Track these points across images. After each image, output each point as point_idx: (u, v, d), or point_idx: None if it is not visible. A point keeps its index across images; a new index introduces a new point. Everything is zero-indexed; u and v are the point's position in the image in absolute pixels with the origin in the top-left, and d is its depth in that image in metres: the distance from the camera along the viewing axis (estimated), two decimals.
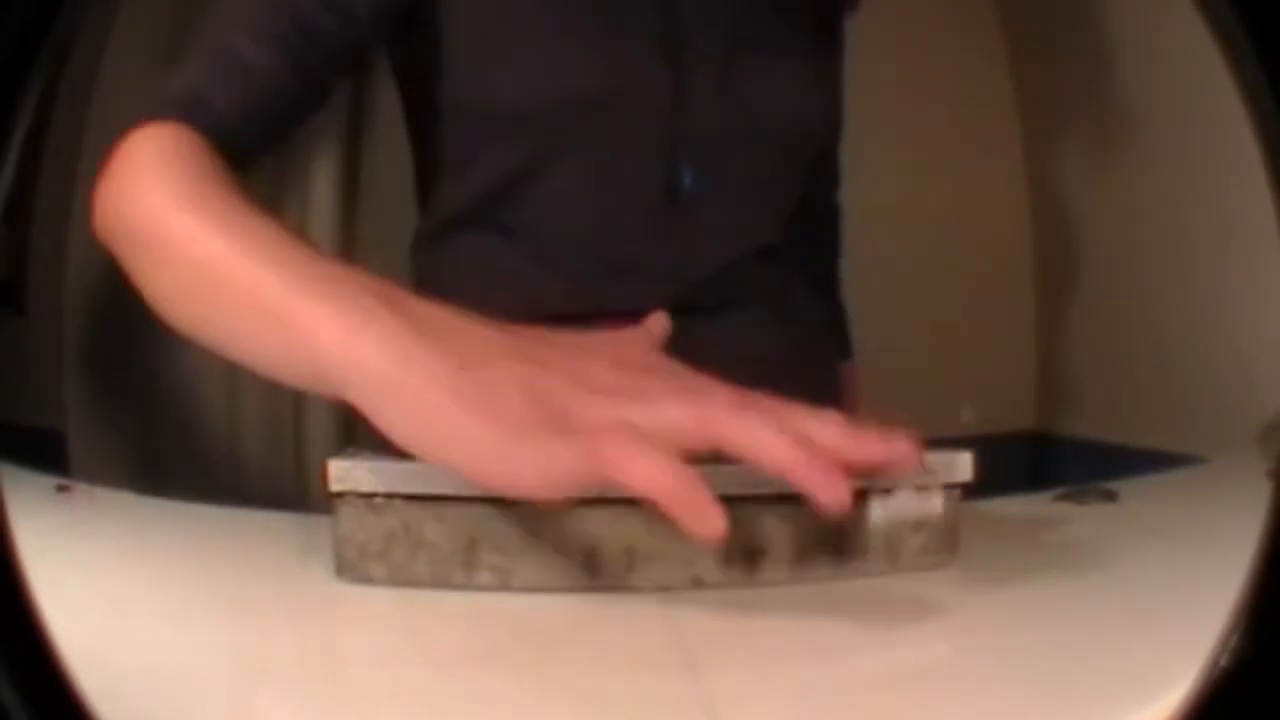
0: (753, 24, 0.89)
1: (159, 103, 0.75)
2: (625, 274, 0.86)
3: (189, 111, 0.74)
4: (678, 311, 0.75)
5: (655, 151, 0.86)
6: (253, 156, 0.79)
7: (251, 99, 0.77)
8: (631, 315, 0.71)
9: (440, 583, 0.59)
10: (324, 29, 0.80)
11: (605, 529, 0.59)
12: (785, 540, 0.60)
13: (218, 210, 0.63)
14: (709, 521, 0.47)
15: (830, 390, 1.00)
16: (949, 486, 0.64)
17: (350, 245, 1.40)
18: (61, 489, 0.83)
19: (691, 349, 0.62)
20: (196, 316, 0.63)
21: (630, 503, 0.59)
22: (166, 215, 0.63)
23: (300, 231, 0.70)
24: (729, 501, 0.59)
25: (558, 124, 0.83)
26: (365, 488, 0.60)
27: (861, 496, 0.61)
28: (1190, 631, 0.43)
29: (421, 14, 0.84)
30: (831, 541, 0.61)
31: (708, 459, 0.60)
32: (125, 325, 1.36)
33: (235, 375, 1.39)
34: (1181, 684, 0.41)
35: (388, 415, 0.51)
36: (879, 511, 0.61)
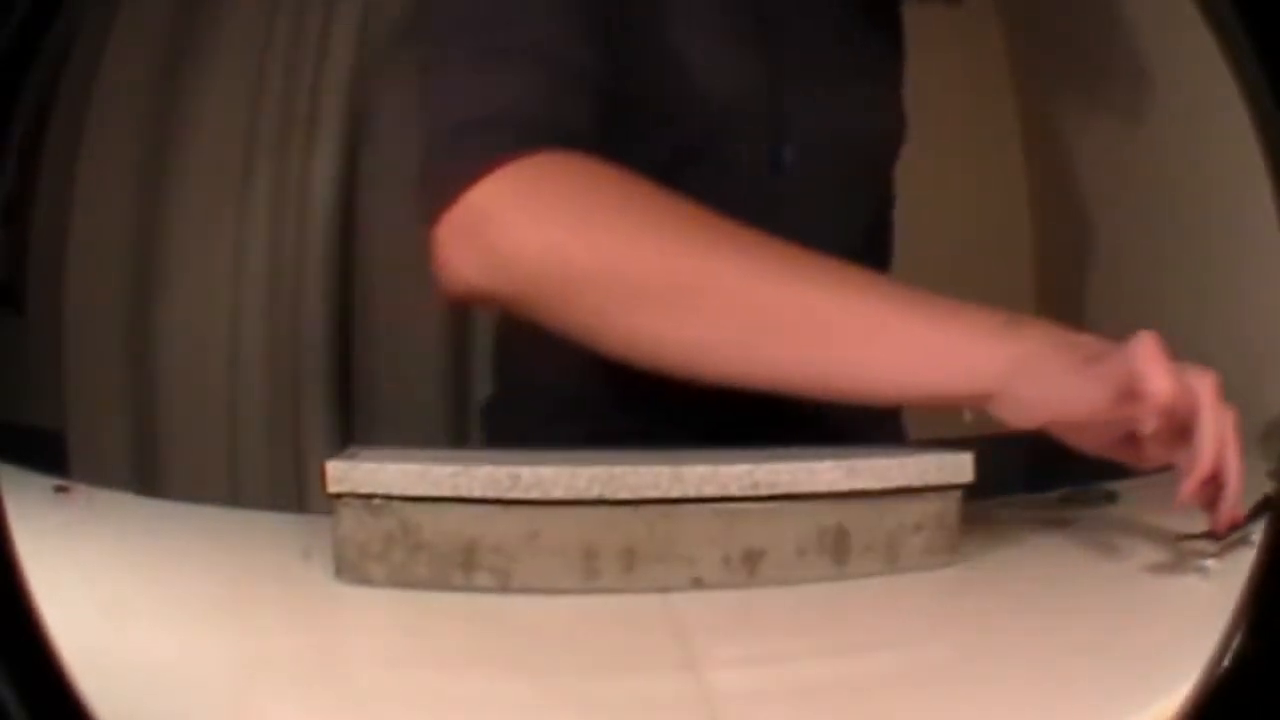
0: (848, 32, 0.91)
1: (496, 131, 0.67)
2: None
3: (548, 135, 0.66)
4: None
5: (758, 152, 0.83)
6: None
7: (589, 100, 0.71)
8: None
9: (439, 583, 0.59)
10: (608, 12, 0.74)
11: (605, 529, 0.59)
12: (785, 540, 0.60)
13: (686, 229, 0.62)
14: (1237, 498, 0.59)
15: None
16: (949, 487, 0.64)
17: (350, 244, 1.40)
18: (60, 489, 0.83)
19: None
20: (685, 341, 0.62)
21: (630, 503, 0.59)
22: (623, 249, 0.62)
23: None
24: (729, 502, 0.60)
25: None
26: (364, 489, 0.60)
27: (859, 497, 0.61)
28: (1190, 631, 0.43)
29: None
30: (831, 541, 0.61)
31: (706, 459, 0.60)
32: (125, 325, 1.36)
33: (235, 375, 1.39)
34: (1182, 684, 0.41)
35: (1039, 392, 0.61)
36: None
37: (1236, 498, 0.61)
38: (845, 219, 0.92)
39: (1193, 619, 0.45)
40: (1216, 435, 0.59)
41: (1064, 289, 1.42)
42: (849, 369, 0.62)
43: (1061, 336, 0.63)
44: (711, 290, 0.62)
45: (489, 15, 0.71)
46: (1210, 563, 0.62)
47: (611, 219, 0.63)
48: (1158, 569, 0.64)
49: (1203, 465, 0.58)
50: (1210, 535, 0.63)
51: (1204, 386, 0.60)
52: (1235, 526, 0.61)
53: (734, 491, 0.59)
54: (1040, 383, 0.61)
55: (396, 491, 0.59)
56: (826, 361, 0.62)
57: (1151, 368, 0.57)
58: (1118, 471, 0.96)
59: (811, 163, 0.87)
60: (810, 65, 0.88)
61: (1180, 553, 0.64)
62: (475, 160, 0.65)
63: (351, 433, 1.36)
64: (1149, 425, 0.58)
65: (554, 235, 0.63)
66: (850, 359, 0.63)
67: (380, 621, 0.59)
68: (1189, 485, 0.59)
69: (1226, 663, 0.40)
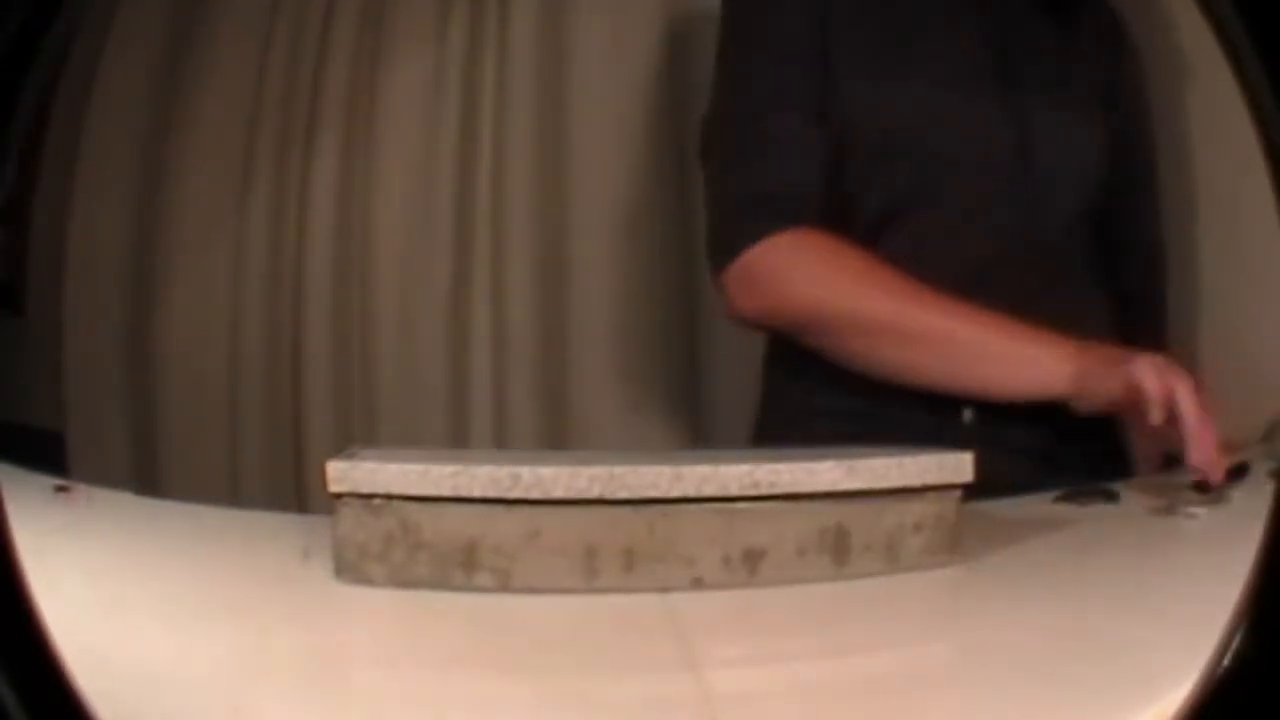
0: (1055, 61, 1.03)
1: (769, 207, 0.96)
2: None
3: (802, 215, 0.96)
4: None
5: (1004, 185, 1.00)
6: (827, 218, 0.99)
7: (826, 174, 0.97)
8: None
9: (440, 583, 0.59)
10: (817, 101, 0.98)
11: (605, 529, 0.59)
12: (785, 540, 0.60)
13: (890, 285, 0.94)
14: (1209, 453, 0.78)
15: None
16: (949, 487, 0.64)
17: (349, 242, 1.40)
18: (61, 489, 0.83)
19: None
20: (898, 362, 0.94)
21: (630, 503, 0.59)
22: (858, 302, 0.95)
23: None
24: (729, 502, 0.60)
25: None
26: (364, 489, 0.60)
27: (859, 497, 0.61)
28: (1190, 631, 0.43)
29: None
30: (831, 541, 0.61)
31: (706, 459, 0.60)
32: (125, 325, 1.36)
33: (235, 376, 1.39)
34: (1182, 684, 0.41)
35: (1100, 393, 0.88)
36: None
37: (1197, 440, 0.77)
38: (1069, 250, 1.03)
39: (1193, 619, 0.45)
40: (1161, 385, 0.80)
41: None
42: (978, 378, 0.93)
43: (1104, 352, 0.89)
44: (908, 328, 0.94)
45: (749, 110, 0.99)
46: (1199, 510, 0.76)
47: (848, 280, 0.95)
48: (1158, 568, 0.64)
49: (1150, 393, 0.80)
50: (1199, 486, 0.78)
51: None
52: (1209, 483, 0.78)
53: (734, 491, 0.59)
54: (1090, 384, 0.88)
55: (397, 491, 0.59)
56: (965, 374, 0.93)
57: (1145, 371, 0.81)
58: (1118, 471, 0.96)
59: (1044, 195, 0.99)
60: (1038, 95, 1.00)
61: (1171, 502, 0.78)
62: (755, 229, 0.95)
63: (352, 432, 1.36)
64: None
65: (812, 290, 0.96)
66: (976, 372, 0.93)
67: (380, 621, 0.59)
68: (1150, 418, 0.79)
69: (1226, 663, 0.40)
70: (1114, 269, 1.08)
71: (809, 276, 0.95)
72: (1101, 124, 1.03)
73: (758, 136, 0.98)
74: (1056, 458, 0.95)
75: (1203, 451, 0.77)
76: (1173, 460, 0.85)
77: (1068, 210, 1.02)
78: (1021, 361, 0.91)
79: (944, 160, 0.98)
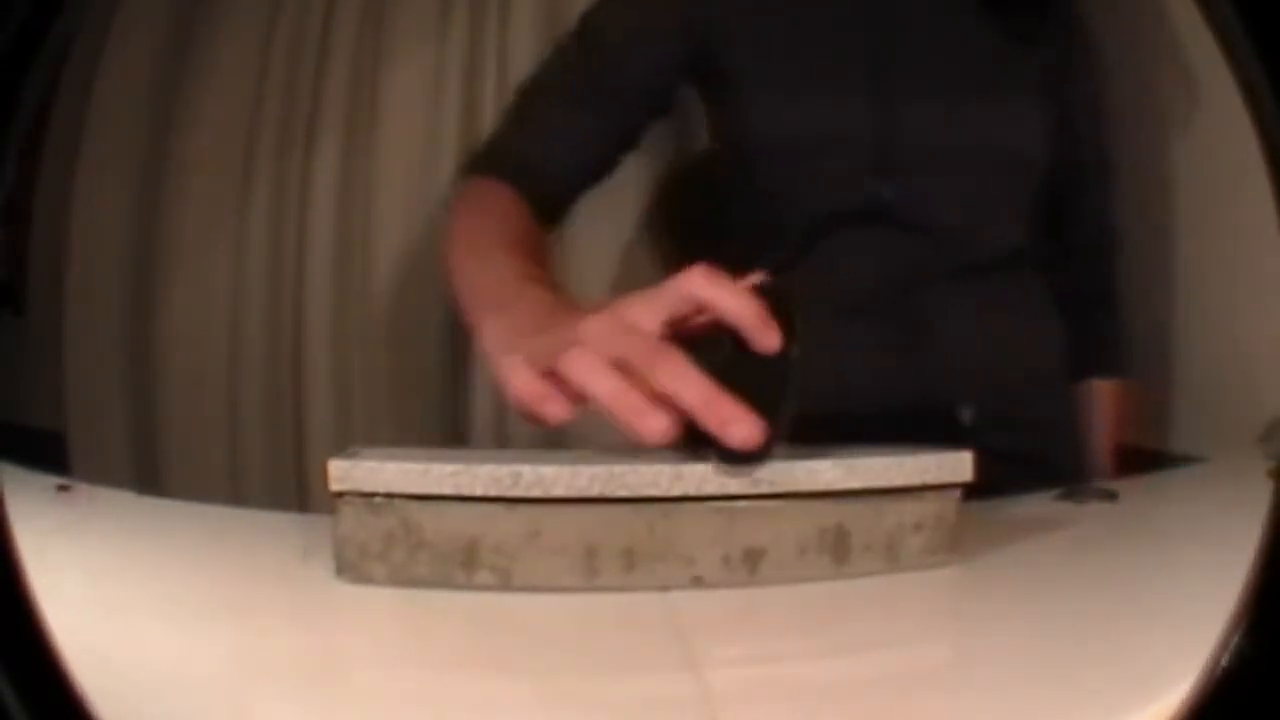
0: (976, 53, 0.99)
1: (486, 158, 0.98)
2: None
3: (508, 171, 0.95)
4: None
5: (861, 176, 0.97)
6: (567, 200, 1.00)
7: (563, 160, 0.97)
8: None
9: (440, 583, 0.59)
10: (614, 90, 0.98)
11: (605, 529, 0.59)
12: (785, 540, 0.60)
13: (480, 251, 0.85)
14: (649, 422, 0.56)
15: (1046, 399, 1.03)
16: (948, 486, 0.64)
17: (349, 242, 1.40)
18: (61, 489, 0.83)
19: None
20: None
21: (631, 502, 0.59)
22: (454, 250, 0.86)
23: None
24: (729, 501, 0.60)
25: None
26: (365, 488, 0.60)
27: (859, 496, 0.61)
28: (1190, 631, 0.43)
29: (709, 61, 1.00)
30: (831, 541, 0.61)
31: (710, 458, 0.60)
32: (125, 325, 1.36)
33: (235, 376, 1.39)
34: (1182, 684, 0.41)
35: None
36: None
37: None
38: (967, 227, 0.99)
39: (1193, 619, 0.45)
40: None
41: None
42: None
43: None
44: (457, 287, 0.82)
45: (527, 90, 1.01)
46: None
47: (460, 232, 0.90)
48: (1158, 568, 0.64)
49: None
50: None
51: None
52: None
53: (734, 490, 0.59)
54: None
55: (398, 490, 0.59)
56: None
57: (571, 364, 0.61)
58: (1118, 471, 0.97)
59: (923, 188, 0.96)
60: (915, 90, 0.96)
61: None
62: (462, 179, 0.98)
63: (353, 432, 1.37)
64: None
65: (445, 241, 0.90)
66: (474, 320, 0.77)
67: (381, 621, 0.59)
68: None
69: (1226, 663, 0.40)
70: (1062, 259, 1.07)
71: (452, 228, 0.91)
72: (1035, 114, 1.01)
73: (527, 106, 1.00)
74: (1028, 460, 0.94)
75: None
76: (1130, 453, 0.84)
77: (991, 203, 1.00)
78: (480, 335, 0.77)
79: (845, 162, 0.97)
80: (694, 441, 0.59)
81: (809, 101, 0.97)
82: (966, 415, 0.96)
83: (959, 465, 0.63)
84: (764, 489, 0.59)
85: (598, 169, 1.01)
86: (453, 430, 1.39)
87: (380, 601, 0.59)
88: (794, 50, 0.99)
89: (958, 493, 0.64)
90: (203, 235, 1.37)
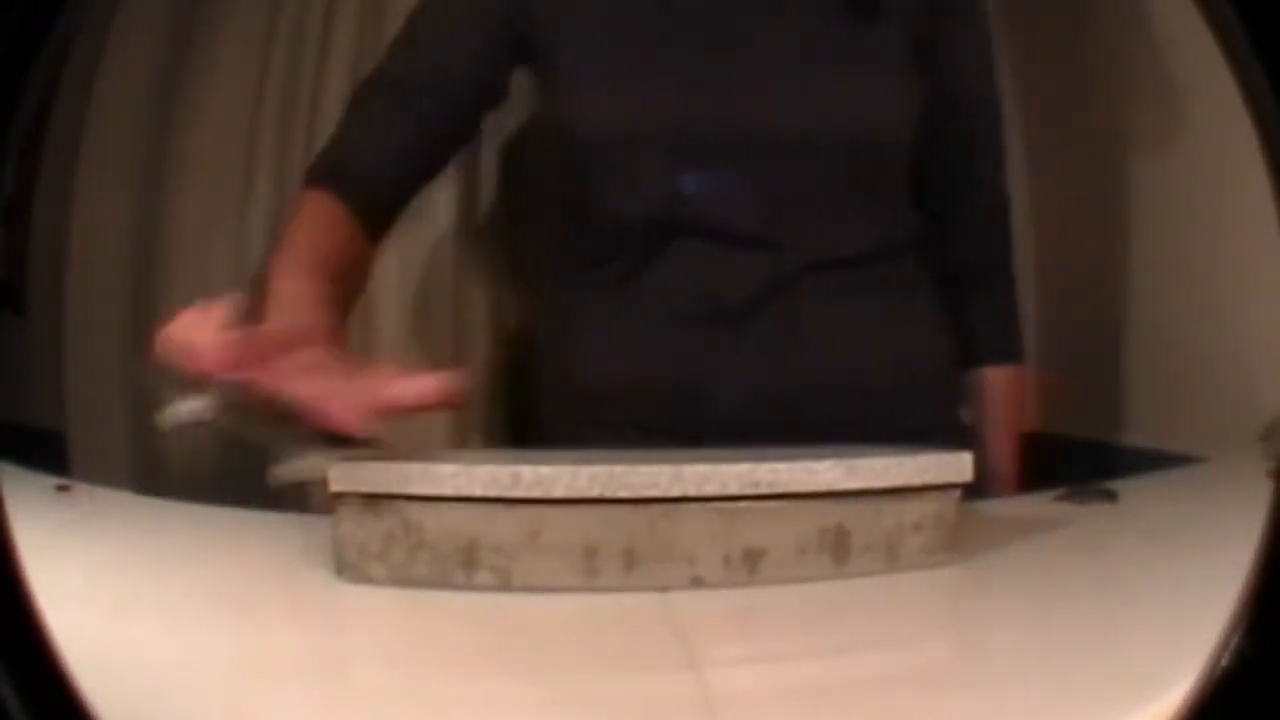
0: (824, 29, 0.93)
1: (315, 168, 0.95)
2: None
3: (331, 179, 0.92)
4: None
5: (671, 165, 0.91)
6: (393, 203, 0.96)
7: (385, 161, 0.94)
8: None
9: (440, 583, 0.59)
10: (435, 85, 0.95)
11: (605, 529, 0.59)
12: (785, 539, 0.60)
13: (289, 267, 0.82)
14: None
15: (931, 391, 0.98)
16: (948, 486, 0.64)
17: None
18: (61, 489, 0.83)
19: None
20: None
21: (631, 502, 0.59)
22: (272, 269, 0.82)
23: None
24: (729, 501, 0.60)
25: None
26: (365, 488, 0.60)
27: (859, 496, 0.61)
28: (1190, 631, 0.43)
29: (530, 50, 0.96)
30: (831, 541, 0.61)
31: (706, 459, 0.60)
32: (125, 325, 1.36)
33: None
34: (1181, 684, 0.41)
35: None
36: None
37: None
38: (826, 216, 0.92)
39: (1193, 619, 0.45)
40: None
41: (1064, 290, 1.42)
42: None
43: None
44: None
45: (355, 94, 0.99)
46: None
47: (282, 243, 0.88)
48: (1158, 569, 0.64)
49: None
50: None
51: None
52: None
53: (734, 491, 0.59)
54: None
55: (397, 490, 0.59)
56: None
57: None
58: (1118, 471, 0.96)
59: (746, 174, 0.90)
60: (742, 80, 0.90)
61: None
62: (302, 190, 0.94)
63: None
64: None
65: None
66: None
67: (381, 620, 0.59)
68: None
69: (1226, 663, 0.40)
70: (950, 241, 1.02)
71: (279, 245, 0.89)
72: (890, 94, 0.93)
73: (353, 110, 0.97)
74: None
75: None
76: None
77: (837, 196, 0.93)
78: None
79: (661, 160, 0.91)
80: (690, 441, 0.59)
81: (622, 96, 0.92)
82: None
83: (959, 465, 0.64)
84: (764, 489, 0.59)
85: (425, 167, 0.98)
86: (453, 430, 1.39)
87: (380, 601, 0.59)
88: (611, 39, 0.93)
89: (958, 493, 0.64)
90: (203, 235, 1.37)
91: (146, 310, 1.36)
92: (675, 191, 0.91)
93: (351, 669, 0.54)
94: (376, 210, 0.94)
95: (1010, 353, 1.05)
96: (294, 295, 0.76)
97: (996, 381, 1.03)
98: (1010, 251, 1.06)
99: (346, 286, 0.85)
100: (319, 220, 0.90)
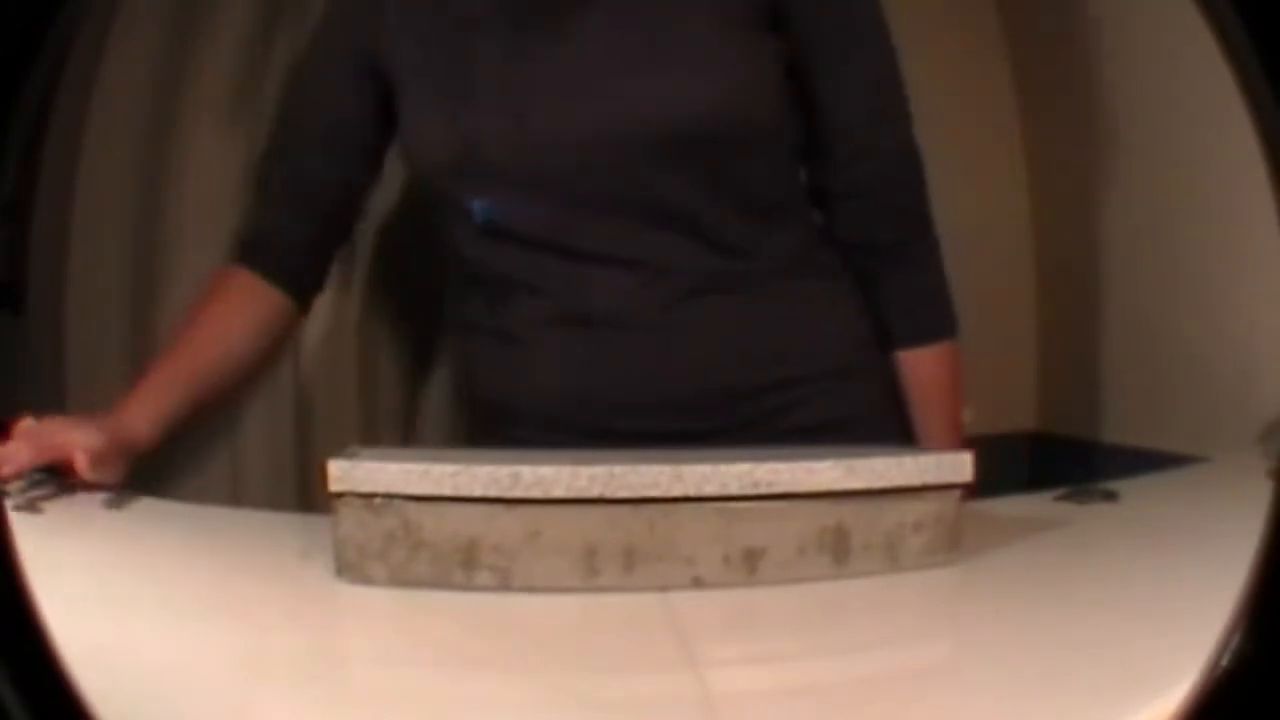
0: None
1: (235, 247, 1.02)
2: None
3: (246, 257, 0.99)
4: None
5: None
6: (318, 264, 1.03)
7: (293, 228, 0.99)
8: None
9: (440, 583, 0.59)
10: (317, 135, 0.98)
11: (605, 529, 0.59)
12: (785, 539, 0.60)
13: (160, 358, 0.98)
14: None
15: (842, 381, 0.93)
16: (948, 486, 0.64)
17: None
18: (62, 489, 0.82)
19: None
20: None
21: (631, 502, 0.59)
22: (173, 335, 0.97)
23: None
24: (729, 501, 0.60)
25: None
26: (365, 488, 0.60)
27: (859, 496, 0.61)
28: (1190, 631, 0.43)
29: (387, 85, 0.96)
30: (831, 540, 0.61)
31: (706, 459, 0.60)
32: (125, 325, 1.36)
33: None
34: (1181, 684, 0.41)
35: None
36: None
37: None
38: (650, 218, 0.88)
39: (1193, 619, 0.45)
40: None
41: (1063, 290, 1.43)
42: None
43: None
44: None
45: (270, 150, 1.06)
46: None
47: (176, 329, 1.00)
48: (1158, 569, 0.64)
49: None
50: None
51: None
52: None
53: (734, 491, 0.59)
54: None
55: (398, 491, 0.59)
56: None
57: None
58: (1118, 471, 0.96)
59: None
60: (559, 87, 0.87)
61: None
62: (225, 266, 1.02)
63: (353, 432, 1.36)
64: None
65: None
66: None
67: (381, 621, 0.59)
68: None
69: (1226, 663, 0.40)
70: (844, 212, 0.95)
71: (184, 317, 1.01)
72: (727, 73, 0.87)
73: (258, 180, 1.06)
74: None
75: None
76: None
77: (698, 189, 0.88)
78: None
79: (494, 181, 0.89)
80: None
81: (445, 124, 0.90)
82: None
83: (959, 465, 0.64)
84: (764, 489, 0.59)
85: (336, 216, 1.02)
86: (453, 430, 1.39)
87: (380, 601, 0.59)
88: (439, 67, 0.92)
89: (958, 493, 0.64)
90: (203, 235, 1.37)
91: (146, 310, 1.36)
92: (517, 216, 0.89)
93: (351, 669, 0.54)
94: (297, 276, 0.99)
95: (929, 330, 0.96)
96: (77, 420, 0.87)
97: (919, 362, 0.95)
98: (924, 215, 0.96)
99: (233, 360, 0.96)
100: (224, 299, 0.98)
